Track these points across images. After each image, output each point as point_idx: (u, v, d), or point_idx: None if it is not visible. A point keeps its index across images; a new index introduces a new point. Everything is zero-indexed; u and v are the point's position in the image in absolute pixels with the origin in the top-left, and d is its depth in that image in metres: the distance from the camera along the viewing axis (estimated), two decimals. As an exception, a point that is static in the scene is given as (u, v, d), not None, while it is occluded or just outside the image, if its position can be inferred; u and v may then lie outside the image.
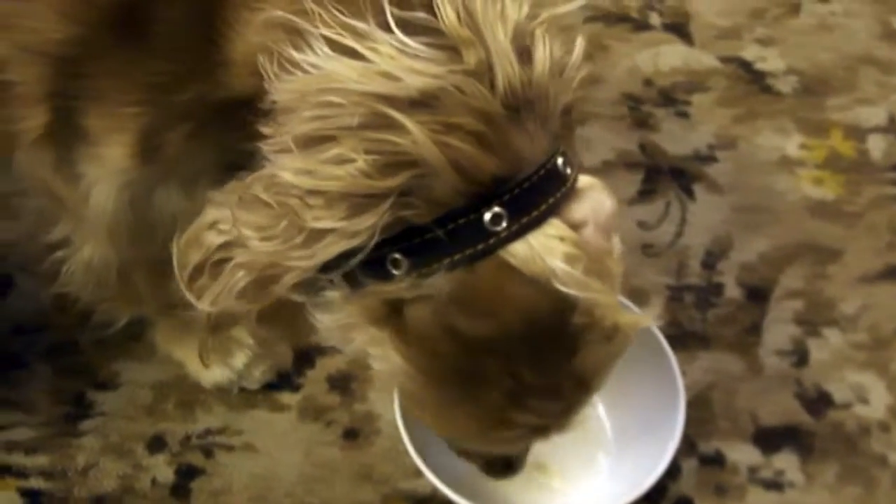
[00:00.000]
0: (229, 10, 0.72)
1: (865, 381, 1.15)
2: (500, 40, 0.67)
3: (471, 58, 0.66)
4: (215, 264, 0.73)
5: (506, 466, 0.95)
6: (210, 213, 0.74)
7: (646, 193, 1.29)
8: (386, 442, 1.10)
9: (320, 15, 0.67)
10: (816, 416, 1.12)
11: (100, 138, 0.79)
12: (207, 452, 1.10)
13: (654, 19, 1.47)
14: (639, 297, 1.18)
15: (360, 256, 0.67)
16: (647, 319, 0.75)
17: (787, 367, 1.16)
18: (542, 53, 0.69)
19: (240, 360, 1.12)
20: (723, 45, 1.44)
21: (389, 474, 1.08)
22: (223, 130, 0.77)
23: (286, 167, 0.67)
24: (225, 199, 0.73)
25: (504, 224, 0.67)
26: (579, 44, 0.71)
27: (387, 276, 0.69)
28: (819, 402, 1.13)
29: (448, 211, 0.67)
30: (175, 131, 0.78)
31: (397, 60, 0.65)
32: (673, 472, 1.05)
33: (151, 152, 0.79)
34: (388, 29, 0.66)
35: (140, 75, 0.76)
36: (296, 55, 0.67)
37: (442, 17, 0.66)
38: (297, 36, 0.68)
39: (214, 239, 0.73)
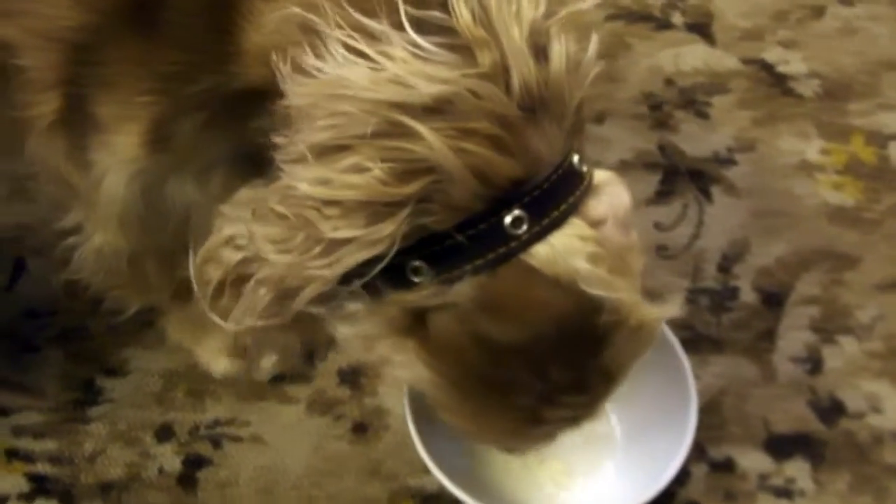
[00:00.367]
0: (244, 0, 0.72)
1: (880, 390, 1.14)
2: (516, 40, 0.66)
3: (485, 59, 0.65)
4: (236, 282, 0.72)
5: None
6: (225, 229, 0.73)
7: (663, 194, 1.28)
8: (395, 437, 1.09)
9: (333, 12, 0.66)
10: (829, 425, 1.11)
11: (111, 126, 0.79)
12: (215, 443, 1.10)
13: (677, 18, 1.45)
14: (653, 299, 1.17)
15: (380, 265, 0.67)
16: (672, 310, 0.75)
17: (800, 374, 1.15)
18: (558, 51, 0.68)
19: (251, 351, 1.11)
20: (745, 47, 1.43)
21: (397, 470, 1.08)
22: (236, 121, 0.77)
23: (302, 177, 0.66)
24: (237, 213, 0.72)
25: (525, 227, 0.67)
26: (594, 40, 0.71)
27: (408, 285, 0.68)
28: (832, 410, 1.12)
29: (468, 216, 0.67)
30: (187, 121, 0.78)
31: (410, 65, 0.64)
32: (682, 476, 1.04)
33: (163, 142, 0.79)
34: (401, 28, 0.65)
35: (153, 64, 0.75)
36: (308, 59, 0.67)
37: (456, 16, 0.65)
38: (310, 35, 0.67)
39: (232, 256, 0.73)
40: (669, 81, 1.39)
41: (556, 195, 0.68)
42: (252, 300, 0.71)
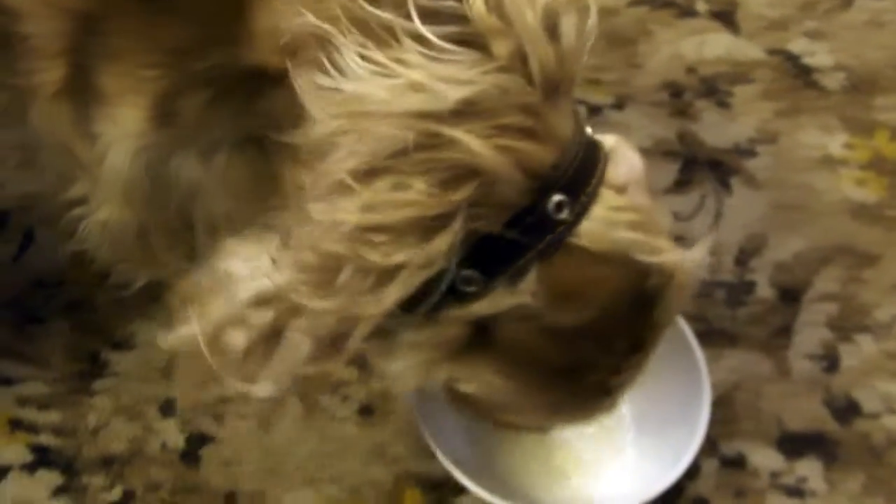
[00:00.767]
0: None
1: (896, 391, 1.12)
2: (531, 24, 0.65)
3: (501, 49, 0.64)
4: (267, 341, 0.69)
5: None
6: (241, 291, 0.69)
7: (682, 184, 1.26)
8: (401, 421, 1.08)
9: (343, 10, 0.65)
10: (843, 424, 1.09)
11: (116, 99, 0.78)
12: (220, 420, 1.09)
13: (701, 6, 1.43)
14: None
15: (445, 281, 0.65)
16: (701, 252, 0.76)
17: (816, 371, 1.13)
18: (568, 27, 0.67)
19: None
20: (770, 37, 1.40)
21: (403, 454, 1.07)
22: (242, 102, 0.75)
23: (347, 209, 0.64)
24: (248, 268, 0.69)
25: (567, 209, 0.67)
26: (593, 12, 0.70)
27: (463, 297, 0.67)
28: (847, 409, 1.10)
29: (515, 212, 0.66)
30: (194, 98, 0.76)
31: (426, 69, 0.63)
32: (692, 471, 1.03)
33: (168, 117, 0.78)
34: (409, 18, 0.64)
35: (161, 38, 0.74)
36: (321, 79, 0.65)
37: (469, 4, 0.64)
38: (324, 41, 0.65)
39: (263, 317, 0.69)
40: (691, 70, 1.36)
41: (585, 171, 0.68)
42: (292, 355, 0.68)
